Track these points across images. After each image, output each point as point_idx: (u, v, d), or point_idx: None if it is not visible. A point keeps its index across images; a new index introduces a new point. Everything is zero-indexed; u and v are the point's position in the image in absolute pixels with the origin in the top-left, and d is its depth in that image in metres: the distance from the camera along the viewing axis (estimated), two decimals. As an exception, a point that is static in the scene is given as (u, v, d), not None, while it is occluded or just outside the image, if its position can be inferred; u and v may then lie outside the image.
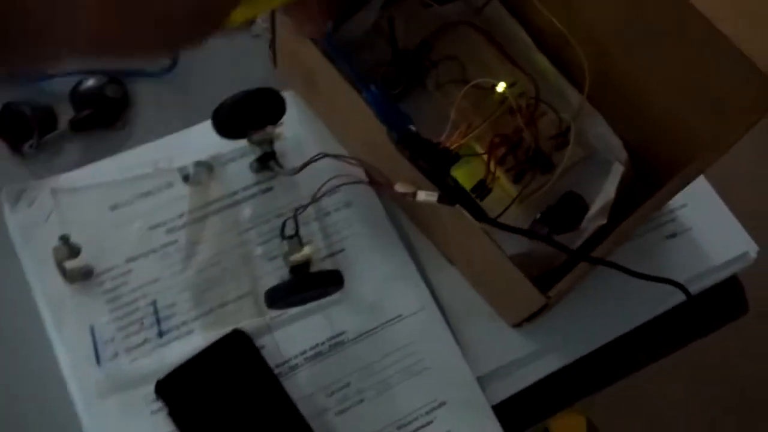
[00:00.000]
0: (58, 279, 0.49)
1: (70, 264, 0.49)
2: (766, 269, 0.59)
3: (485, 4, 0.55)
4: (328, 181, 0.50)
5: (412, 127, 0.47)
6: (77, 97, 0.55)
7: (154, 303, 0.50)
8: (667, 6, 0.41)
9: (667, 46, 0.46)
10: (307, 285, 0.48)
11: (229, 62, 0.58)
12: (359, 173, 0.52)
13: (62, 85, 0.55)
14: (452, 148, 0.51)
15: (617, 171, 0.52)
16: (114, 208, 0.52)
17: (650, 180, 0.52)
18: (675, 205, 0.57)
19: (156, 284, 0.51)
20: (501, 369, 0.51)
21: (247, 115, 0.50)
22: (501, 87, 0.54)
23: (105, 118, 0.55)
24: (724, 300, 0.55)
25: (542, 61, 0.55)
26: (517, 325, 0.52)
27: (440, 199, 0.46)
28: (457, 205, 0.45)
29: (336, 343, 0.51)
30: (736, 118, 0.44)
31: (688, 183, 0.46)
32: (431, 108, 0.55)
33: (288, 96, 0.55)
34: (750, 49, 0.38)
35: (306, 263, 0.49)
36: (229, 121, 0.50)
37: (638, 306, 0.53)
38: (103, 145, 0.54)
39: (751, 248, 0.55)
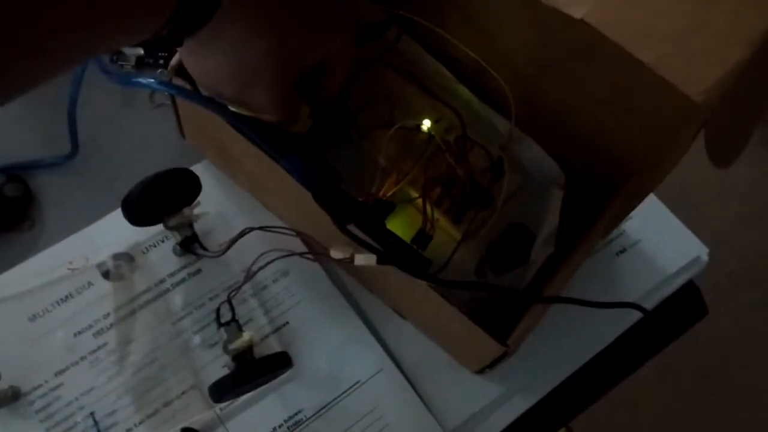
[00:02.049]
0: (-18, 407, 0.45)
1: (-8, 390, 0.45)
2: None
3: (396, 40, 0.52)
4: (260, 257, 0.47)
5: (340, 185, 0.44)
6: (-27, 203, 0.51)
7: (92, 415, 0.46)
8: (576, 31, 0.39)
9: (583, 68, 0.44)
10: (252, 374, 0.44)
11: (135, 138, 0.54)
12: (292, 241, 0.49)
13: (-45, 191, 0.51)
14: (386, 197, 0.49)
15: (558, 196, 0.50)
16: (32, 319, 0.48)
17: (588, 198, 0.50)
18: (621, 219, 0.56)
19: (91, 394, 0.47)
20: (471, 419, 0.49)
21: (159, 200, 0.46)
22: (426, 125, 0.51)
23: (8, 221, 0.50)
24: (683, 307, 0.54)
25: (464, 92, 0.52)
26: (480, 372, 0.50)
27: (380, 260, 0.44)
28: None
29: (294, 423, 0.48)
30: (667, 133, 0.43)
31: (636, 205, 0.45)
32: (359, 158, 0.52)
33: (203, 168, 0.52)
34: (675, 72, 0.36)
35: (249, 348, 0.46)
36: (140, 209, 0.46)
37: (599, 329, 0.52)
38: (10, 251, 0.50)
39: (702, 251, 0.54)
